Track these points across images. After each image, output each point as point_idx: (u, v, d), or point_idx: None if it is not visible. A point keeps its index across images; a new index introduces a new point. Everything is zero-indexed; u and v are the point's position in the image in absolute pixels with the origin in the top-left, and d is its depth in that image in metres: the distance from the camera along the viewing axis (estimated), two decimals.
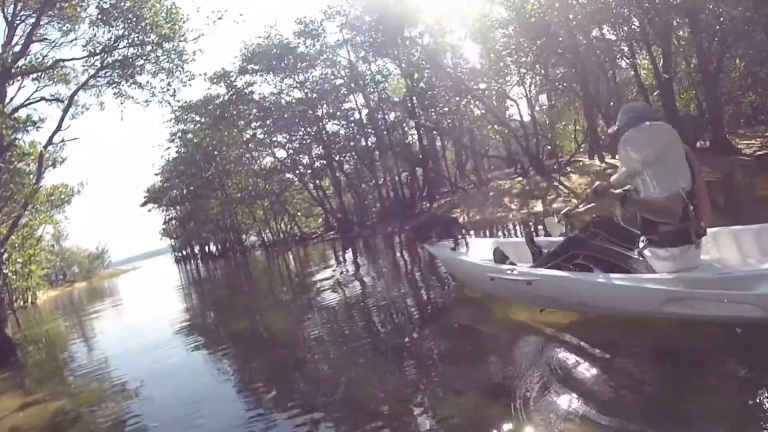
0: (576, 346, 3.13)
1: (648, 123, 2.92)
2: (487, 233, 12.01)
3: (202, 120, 29.12)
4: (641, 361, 2.78)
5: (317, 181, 28.49)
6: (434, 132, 25.77)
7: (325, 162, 26.52)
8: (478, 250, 4.83)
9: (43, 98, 12.63)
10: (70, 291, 41.08)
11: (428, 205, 22.99)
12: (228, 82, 25.90)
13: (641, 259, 3.11)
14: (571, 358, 2.95)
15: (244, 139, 30.16)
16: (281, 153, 29.09)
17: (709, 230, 3.08)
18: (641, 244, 3.11)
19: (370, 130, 25.27)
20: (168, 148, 35.67)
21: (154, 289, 21.05)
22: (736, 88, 17.57)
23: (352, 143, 26.03)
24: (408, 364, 3.66)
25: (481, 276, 4.12)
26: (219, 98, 26.49)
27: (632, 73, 19.45)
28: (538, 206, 14.60)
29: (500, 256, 4.25)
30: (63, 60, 12.94)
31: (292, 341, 5.23)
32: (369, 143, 25.73)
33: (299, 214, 33.02)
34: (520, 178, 21.21)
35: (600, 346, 3.02)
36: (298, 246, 27.19)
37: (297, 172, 28.35)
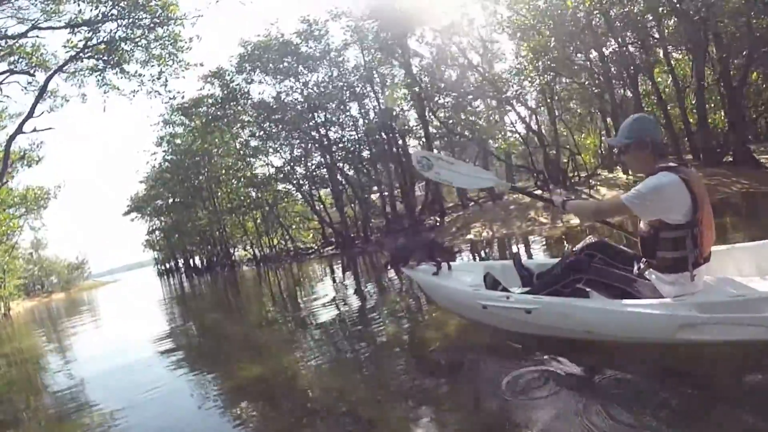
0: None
1: (678, 179, 2.76)
2: (522, 247, 10.83)
3: (193, 123, 27.05)
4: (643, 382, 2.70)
5: (316, 192, 26.57)
6: (437, 142, 24.28)
7: (325, 171, 24.50)
8: (463, 275, 4.56)
9: (11, 71, 10.90)
10: (48, 302, 38.96)
11: (438, 219, 21.34)
12: (223, 81, 23.98)
13: (647, 281, 3.02)
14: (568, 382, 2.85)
15: (237, 146, 28.29)
16: (277, 161, 27.28)
17: (713, 248, 3.02)
18: (641, 266, 3.09)
19: (379, 136, 23.44)
20: (154, 154, 33.87)
21: (136, 305, 19.36)
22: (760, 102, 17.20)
23: (356, 151, 24.13)
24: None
25: (471, 304, 3.83)
26: (212, 98, 24.47)
27: (651, 85, 18.56)
28: (575, 219, 13.26)
29: (491, 282, 3.99)
30: (38, 27, 11.18)
31: (279, 366, 4.74)
32: (373, 151, 23.88)
33: (293, 227, 30.98)
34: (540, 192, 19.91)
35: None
36: (292, 262, 25.27)
37: (295, 181, 26.16)
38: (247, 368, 4.84)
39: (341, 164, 24.47)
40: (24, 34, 11.27)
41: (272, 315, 8.76)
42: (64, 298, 42.19)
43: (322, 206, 26.53)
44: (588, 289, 3.28)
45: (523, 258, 4.29)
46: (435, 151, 24.05)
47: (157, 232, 48.85)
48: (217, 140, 27.92)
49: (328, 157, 24.11)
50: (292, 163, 25.38)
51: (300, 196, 27.13)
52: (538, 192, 4.25)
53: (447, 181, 4.48)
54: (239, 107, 24.73)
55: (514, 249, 10.90)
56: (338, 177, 24.73)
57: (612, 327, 2.98)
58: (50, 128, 13.60)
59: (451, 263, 4.69)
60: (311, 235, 32.16)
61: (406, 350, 4.52)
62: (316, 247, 28.08)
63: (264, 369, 4.75)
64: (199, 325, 9.35)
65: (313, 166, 25.11)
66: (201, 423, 3.52)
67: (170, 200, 37.53)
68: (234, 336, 7.07)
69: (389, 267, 5.14)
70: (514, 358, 3.37)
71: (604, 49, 17.64)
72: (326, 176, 24.69)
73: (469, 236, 16.67)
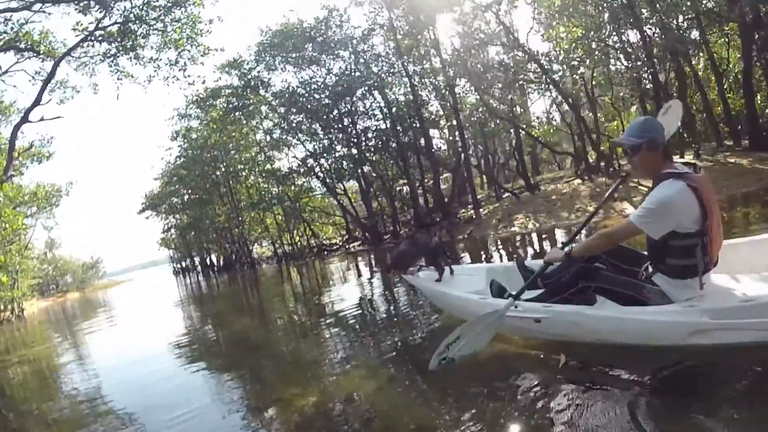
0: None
1: (685, 187, 2.72)
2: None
3: (210, 115, 25.71)
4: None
5: (341, 185, 25.17)
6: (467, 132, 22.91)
7: (353, 163, 22.98)
8: (467, 279, 4.49)
9: (14, 47, 9.75)
10: (63, 302, 38.52)
11: (473, 211, 20.06)
12: (242, 71, 22.62)
13: (655, 287, 2.98)
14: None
15: (257, 139, 27.05)
16: (299, 153, 25.92)
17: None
18: (650, 269, 3.05)
19: (408, 124, 22.12)
20: (169, 149, 32.55)
21: (152, 306, 18.37)
22: None
23: (386, 141, 22.69)
24: None
25: (479, 313, 3.50)
26: (230, 88, 23.08)
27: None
28: (629, 208, 12.13)
29: (498, 289, 3.93)
30: (43, 1, 10.01)
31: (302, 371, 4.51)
32: (402, 141, 22.43)
33: (317, 223, 29.69)
34: (579, 181, 19.00)
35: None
36: (315, 259, 24.02)
37: (319, 173, 24.67)
38: (278, 383, 4.38)
39: (370, 154, 23.01)
40: (29, 7, 10.08)
41: (300, 319, 7.99)
42: (79, 297, 41.88)
43: (347, 200, 25.09)
44: (589, 294, 3.23)
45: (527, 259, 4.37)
46: (467, 136, 22.81)
47: (172, 230, 47.91)
48: (235, 133, 26.63)
49: (353, 147, 22.79)
50: (316, 155, 23.92)
51: (325, 189, 25.59)
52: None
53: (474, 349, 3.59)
54: (260, 96, 23.42)
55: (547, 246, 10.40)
56: (366, 168, 23.30)
57: (622, 335, 3.00)
58: (59, 117, 12.61)
59: (453, 267, 4.66)
60: (330, 230, 31.14)
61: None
62: (340, 243, 26.80)
63: (292, 382, 4.25)
64: (222, 329, 8.58)
65: (340, 157, 23.64)
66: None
67: (185, 197, 36.28)
68: (261, 344, 6.38)
69: (390, 272, 5.06)
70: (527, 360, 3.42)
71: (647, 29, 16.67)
72: (352, 168, 23.23)
73: (513, 228, 15.54)
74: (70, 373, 6.69)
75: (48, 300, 43.46)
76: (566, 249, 3.26)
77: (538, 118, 25.66)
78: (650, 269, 3.03)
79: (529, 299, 3.49)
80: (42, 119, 10.69)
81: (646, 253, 3.10)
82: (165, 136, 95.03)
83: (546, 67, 18.78)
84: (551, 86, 19.58)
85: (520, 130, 22.52)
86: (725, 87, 17.41)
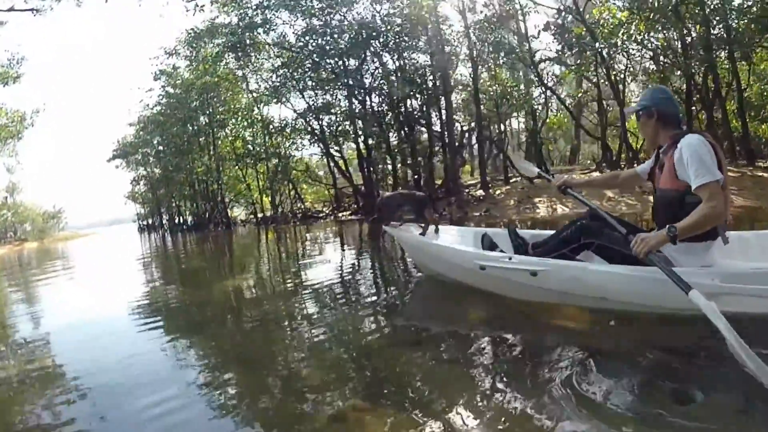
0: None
1: (703, 137, 2.75)
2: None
3: (201, 54, 23.06)
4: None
5: (338, 147, 22.95)
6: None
7: (362, 122, 20.69)
8: (453, 239, 4.36)
9: None
10: (20, 250, 36.05)
11: (482, 191, 18.41)
12: (241, 11, 20.01)
13: (660, 253, 2.74)
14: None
15: (250, 86, 24.60)
16: (298, 105, 23.42)
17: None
18: None
19: (425, 89, 19.97)
20: (150, 90, 29.58)
21: (115, 258, 17.00)
22: None
23: (396, 104, 20.39)
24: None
25: (467, 265, 3.60)
26: (228, 26, 20.51)
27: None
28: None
29: (489, 243, 3.87)
30: None
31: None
32: (416, 108, 20.40)
33: (303, 186, 27.46)
34: (598, 172, 17.46)
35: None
36: (300, 224, 21.83)
37: (317, 131, 22.30)
38: (231, 336, 4.04)
39: (382, 114, 20.70)
40: None
41: (274, 282, 7.00)
42: (37, 247, 39.19)
43: (344, 164, 22.93)
44: (594, 258, 3.20)
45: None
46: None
47: (142, 183, 45.11)
48: (227, 78, 24.22)
49: (360, 105, 20.60)
50: (317, 109, 21.57)
51: (321, 149, 23.31)
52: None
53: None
54: (261, 38, 21.08)
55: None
56: (372, 130, 20.83)
57: (629, 293, 2.87)
58: (33, 9, 10.44)
59: (438, 226, 4.47)
60: (311, 197, 29.03)
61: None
62: (327, 212, 24.62)
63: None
64: (187, 290, 7.32)
65: (344, 114, 21.45)
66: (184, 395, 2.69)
67: (160, 147, 33.42)
68: (219, 299, 5.86)
69: (376, 221, 4.71)
70: (517, 331, 3.03)
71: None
72: (356, 128, 21.10)
73: (538, 212, 14.09)
74: (17, 325, 5.66)
75: (4, 247, 41.08)
76: (671, 235, 2.65)
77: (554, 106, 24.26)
78: None
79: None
80: (12, 9, 8.64)
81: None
82: (146, 77, 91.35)
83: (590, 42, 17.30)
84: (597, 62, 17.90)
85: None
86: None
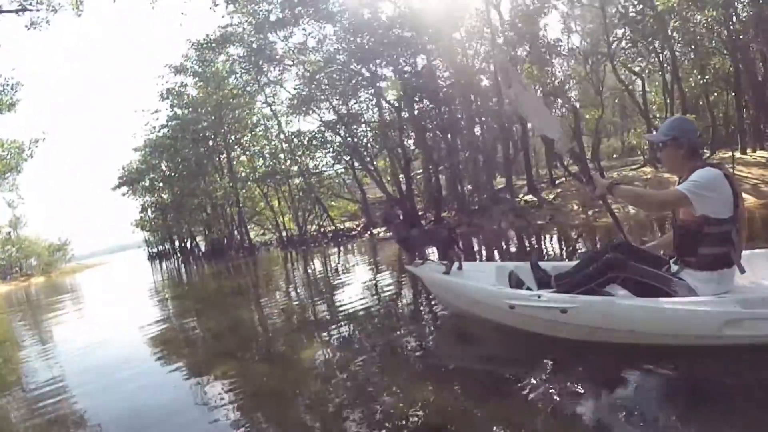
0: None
1: (721, 173, 2.80)
2: None
3: (212, 67, 21.57)
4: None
5: (370, 160, 20.97)
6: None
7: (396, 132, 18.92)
8: (475, 276, 4.17)
9: None
10: (26, 286, 35.11)
11: (531, 195, 16.79)
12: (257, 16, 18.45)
13: (682, 281, 2.92)
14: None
15: (267, 98, 22.85)
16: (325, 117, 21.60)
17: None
18: (674, 267, 3.07)
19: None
20: (157, 112, 27.76)
21: (126, 291, 16.54)
22: None
23: (435, 111, 18.62)
24: None
25: (496, 303, 3.57)
26: (243, 30, 19.04)
27: None
28: None
29: (516, 281, 3.85)
30: None
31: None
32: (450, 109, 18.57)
33: (333, 203, 25.65)
34: (650, 168, 17.17)
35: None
36: (331, 244, 20.10)
37: (349, 140, 20.37)
38: (256, 366, 4.37)
39: (426, 122, 18.80)
40: None
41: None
42: (44, 282, 38.23)
43: (378, 178, 21.06)
44: (619, 291, 3.18)
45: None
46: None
47: (150, 210, 43.28)
48: (241, 93, 22.41)
49: (393, 111, 18.72)
50: (347, 118, 19.69)
51: (355, 164, 21.51)
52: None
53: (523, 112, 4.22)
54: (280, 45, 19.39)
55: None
56: (410, 140, 19.18)
57: (657, 326, 2.89)
58: (21, 9, 8.89)
59: (462, 263, 4.36)
60: (336, 213, 27.07)
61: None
62: (360, 229, 22.70)
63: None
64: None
65: (375, 124, 19.69)
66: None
67: (168, 173, 31.54)
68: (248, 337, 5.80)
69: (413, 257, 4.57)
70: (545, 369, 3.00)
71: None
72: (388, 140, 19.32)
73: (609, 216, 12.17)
74: (29, 364, 6.12)
75: (10, 284, 40.12)
76: (612, 182, 3.00)
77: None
78: (674, 267, 3.06)
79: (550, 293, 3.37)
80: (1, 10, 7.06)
81: (664, 256, 3.19)
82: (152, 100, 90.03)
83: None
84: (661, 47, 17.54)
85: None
86: None
